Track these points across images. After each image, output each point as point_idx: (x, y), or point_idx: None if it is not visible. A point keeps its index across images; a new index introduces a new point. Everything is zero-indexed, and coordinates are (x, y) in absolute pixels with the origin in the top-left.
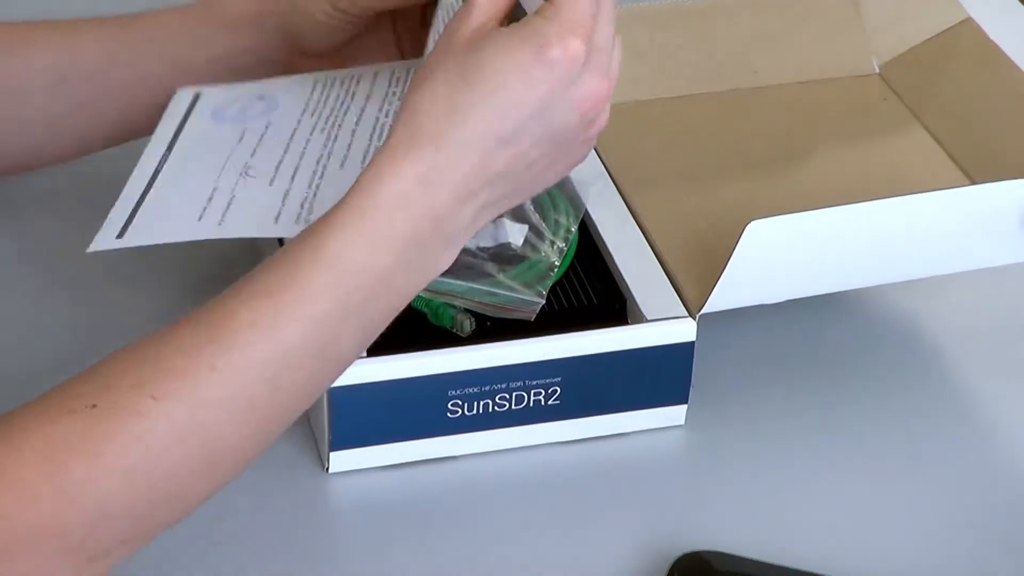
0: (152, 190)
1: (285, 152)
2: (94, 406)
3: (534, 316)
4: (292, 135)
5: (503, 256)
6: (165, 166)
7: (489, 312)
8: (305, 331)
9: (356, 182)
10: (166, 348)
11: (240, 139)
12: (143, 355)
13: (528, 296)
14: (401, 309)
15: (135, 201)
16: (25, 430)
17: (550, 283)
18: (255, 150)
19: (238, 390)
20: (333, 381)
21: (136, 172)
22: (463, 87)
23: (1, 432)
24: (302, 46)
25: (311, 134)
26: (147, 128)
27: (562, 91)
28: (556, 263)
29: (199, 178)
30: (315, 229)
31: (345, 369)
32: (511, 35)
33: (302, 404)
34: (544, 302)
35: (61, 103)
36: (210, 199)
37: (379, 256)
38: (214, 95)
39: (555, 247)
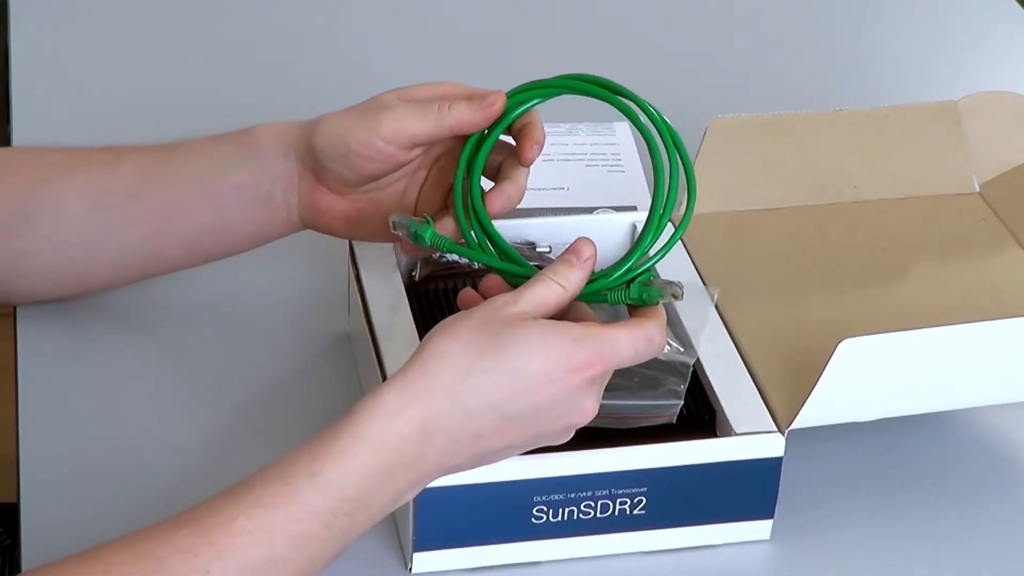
0: None
1: None
2: None
3: (675, 418)
4: None
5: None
6: None
7: (629, 424)
8: (291, 546)
9: (360, 406)
10: (164, 548)
11: None
12: (141, 550)
13: (664, 400)
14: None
15: None
16: None
17: (686, 383)
18: None
19: None
20: None
21: None
22: (490, 355)
23: None
24: (326, 177)
25: None
26: (180, 261)
27: (565, 400)
28: (690, 363)
29: None
30: (315, 448)
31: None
32: (552, 329)
33: None
34: (682, 403)
35: (98, 226)
36: None
37: (367, 489)
38: None
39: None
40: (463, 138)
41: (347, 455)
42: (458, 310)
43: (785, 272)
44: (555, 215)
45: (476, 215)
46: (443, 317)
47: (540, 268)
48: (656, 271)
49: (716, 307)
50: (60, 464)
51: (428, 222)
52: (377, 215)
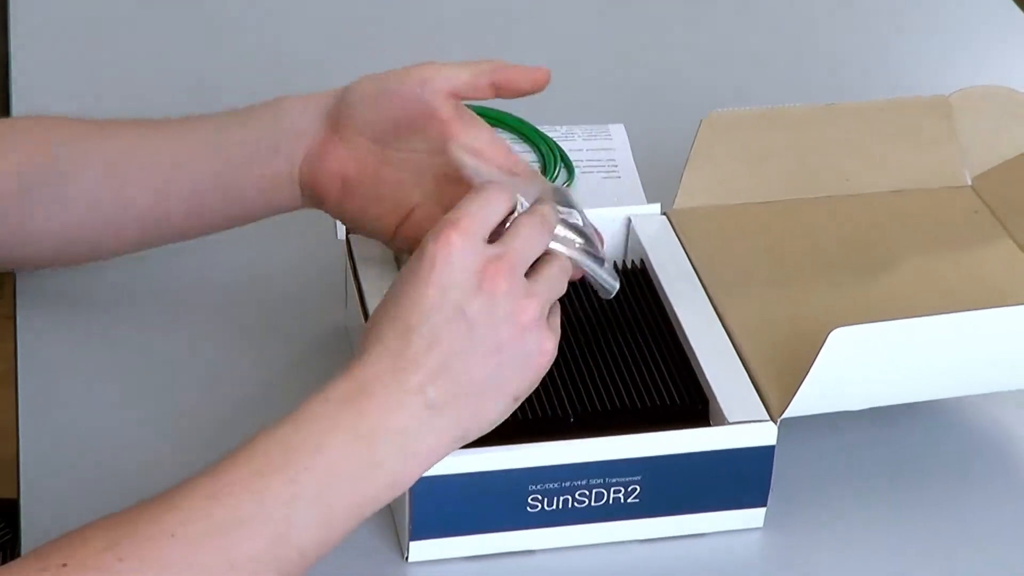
0: None
1: None
2: (64, 565)
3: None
4: None
5: None
6: None
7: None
8: (257, 504)
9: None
10: (135, 518)
11: None
12: (115, 521)
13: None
14: (368, 512)
15: None
16: None
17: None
18: None
19: (195, 558)
20: (293, 572)
21: None
22: (379, 312)
23: None
24: (346, 123)
25: None
26: (179, 225)
27: (451, 276)
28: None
29: None
30: (276, 422)
31: (306, 562)
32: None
33: None
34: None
35: (104, 188)
36: None
37: (325, 441)
38: None
39: None
40: None
41: (299, 416)
42: None
43: (778, 264)
44: None
45: None
46: None
47: None
48: None
49: (709, 297)
50: (59, 461)
51: None
52: (373, 192)
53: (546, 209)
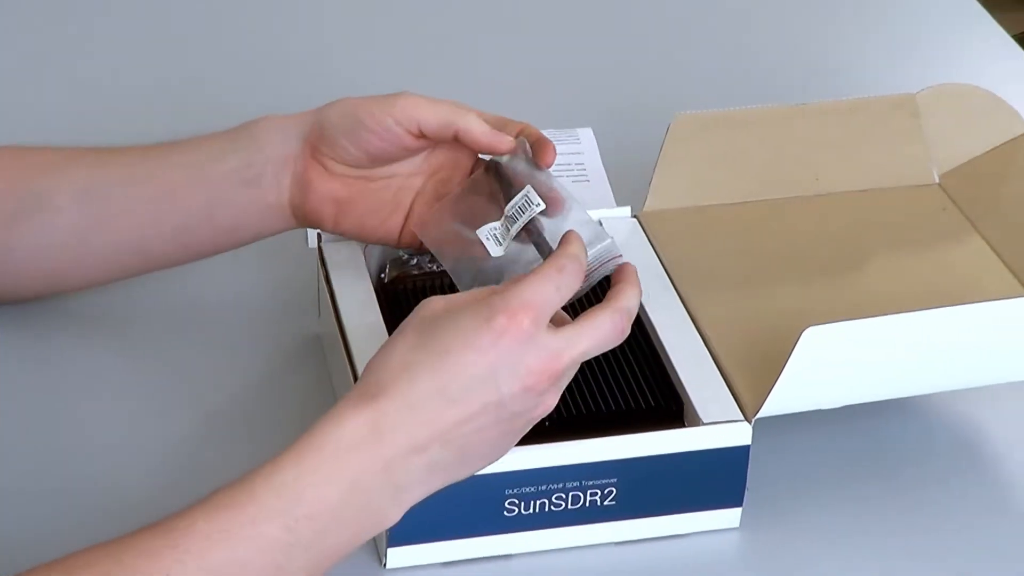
0: None
1: None
2: None
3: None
4: None
5: None
6: None
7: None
8: (251, 548)
9: (317, 422)
10: (130, 550)
11: None
12: (108, 552)
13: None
14: (352, 550)
15: None
16: None
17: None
18: None
19: None
20: None
21: None
22: (418, 349)
23: None
24: (327, 153)
25: None
26: (169, 256)
27: (508, 361)
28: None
29: None
30: (278, 458)
31: None
32: (466, 308)
33: None
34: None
35: (88, 218)
36: None
37: (326, 490)
38: None
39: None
40: (465, 153)
41: (302, 457)
42: None
43: (750, 264)
44: None
45: None
46: None
47: None
48: None
49: (681, 299)
50: (28, 474)
51: None
52: (367, 207)
53: (614, 328)
